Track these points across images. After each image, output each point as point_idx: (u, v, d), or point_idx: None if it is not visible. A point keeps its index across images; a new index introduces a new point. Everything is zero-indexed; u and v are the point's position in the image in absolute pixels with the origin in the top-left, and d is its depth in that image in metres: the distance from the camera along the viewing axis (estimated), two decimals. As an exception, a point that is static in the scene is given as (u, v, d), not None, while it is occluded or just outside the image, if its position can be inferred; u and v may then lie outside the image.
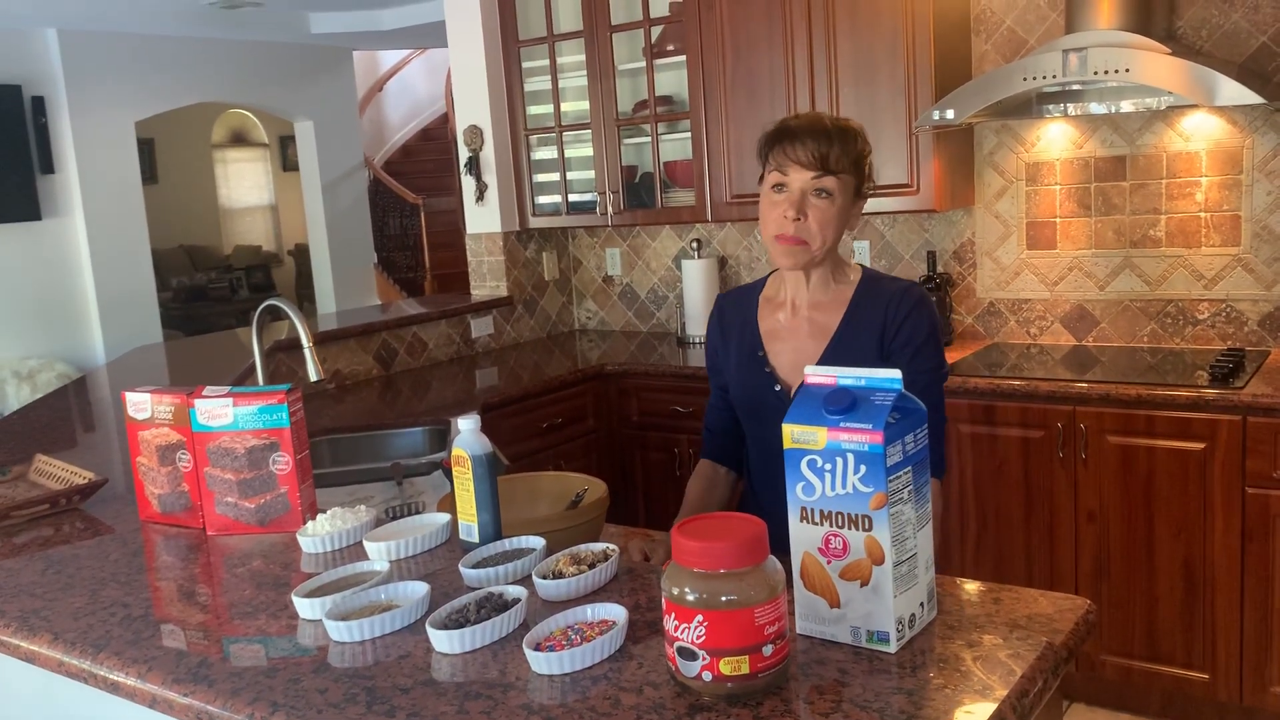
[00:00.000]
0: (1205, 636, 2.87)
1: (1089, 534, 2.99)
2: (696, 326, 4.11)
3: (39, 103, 6.73)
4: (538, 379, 3.61)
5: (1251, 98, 2.69)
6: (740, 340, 1.91)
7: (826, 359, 1.80)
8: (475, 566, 1.52)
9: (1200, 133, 3.24)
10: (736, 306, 1.95)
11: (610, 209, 4.09)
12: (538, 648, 1.25)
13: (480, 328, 4.23)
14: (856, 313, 1.82)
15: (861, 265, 1.89)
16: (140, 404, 1.91)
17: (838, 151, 1.73)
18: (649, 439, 3.75)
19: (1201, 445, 2.79)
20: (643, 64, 3.99)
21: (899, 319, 1.78)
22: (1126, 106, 3.13)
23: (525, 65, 4.25)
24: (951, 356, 3.39)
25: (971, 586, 1.51)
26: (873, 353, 1.78)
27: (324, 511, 1.78)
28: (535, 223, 4.33)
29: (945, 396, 1.88)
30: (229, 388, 1.84)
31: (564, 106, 4.18)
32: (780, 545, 1.26)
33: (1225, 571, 2.81)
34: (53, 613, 1.55)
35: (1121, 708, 3.08)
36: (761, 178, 1.81)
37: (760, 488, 1.92)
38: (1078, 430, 2.95)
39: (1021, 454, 3.05)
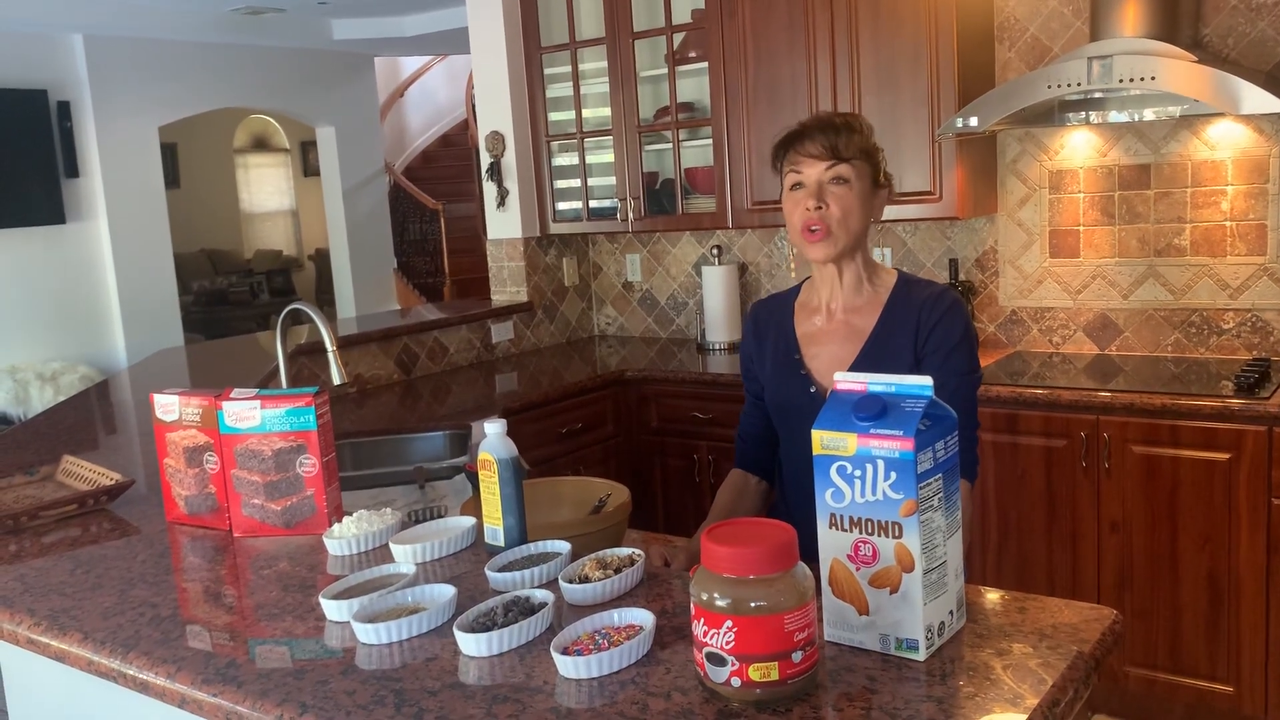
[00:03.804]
0: (1230, 648, 2.84)
1: (1112, 544, 2.97)
2: (716, 333, 4.11)
3: (64, 107, 6.80)
4: (557, 384, 3.62)
5: (1278, 106, 2.67)
6: (776, 345, 1.93)
7: (861, 361, 1.82)
8: (501, 570, 1.53)
9: (1226, 141, 3.22)
10: (771, 313, 1.97)
11: (631, 215, 4.10)
12: (565, 652, 1.25)
13: (500, 333, 4.24)
14: (891, 316, 1.83)
15: (897, 269, 1.91)
16: (168, 406, 1.93)
17: (845, 139, 1.77)
18: (668, 445, 3.75)
19: (1227, 456, 2.77)
20: (664, 70, 3.99)
21: (931, 323, 1.78)
22: (1148, 114, 3.11)
23: (547, 71, 4.27)
24: (973, 365, 3.38)
25: (995, 595, 1.50)
26: (907, 355, 1.79)
27: (349, 514, 1.79)
28: (556, 228, 4.34)
29: None
30: (256, 390, 1.85)
31: (585, 113, 4.19)
32: (810, 551, 1.26)
33: (1251, 583, 2.79)
34: (82, 612, 1.56)
35: (1145, 719, 3.06)
36: (781, 188, 1.84)
37: (792, 492, 1.92)
38: (1101, 440, 2.94)
39: (1044, 463, 3.04)
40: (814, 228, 1.77)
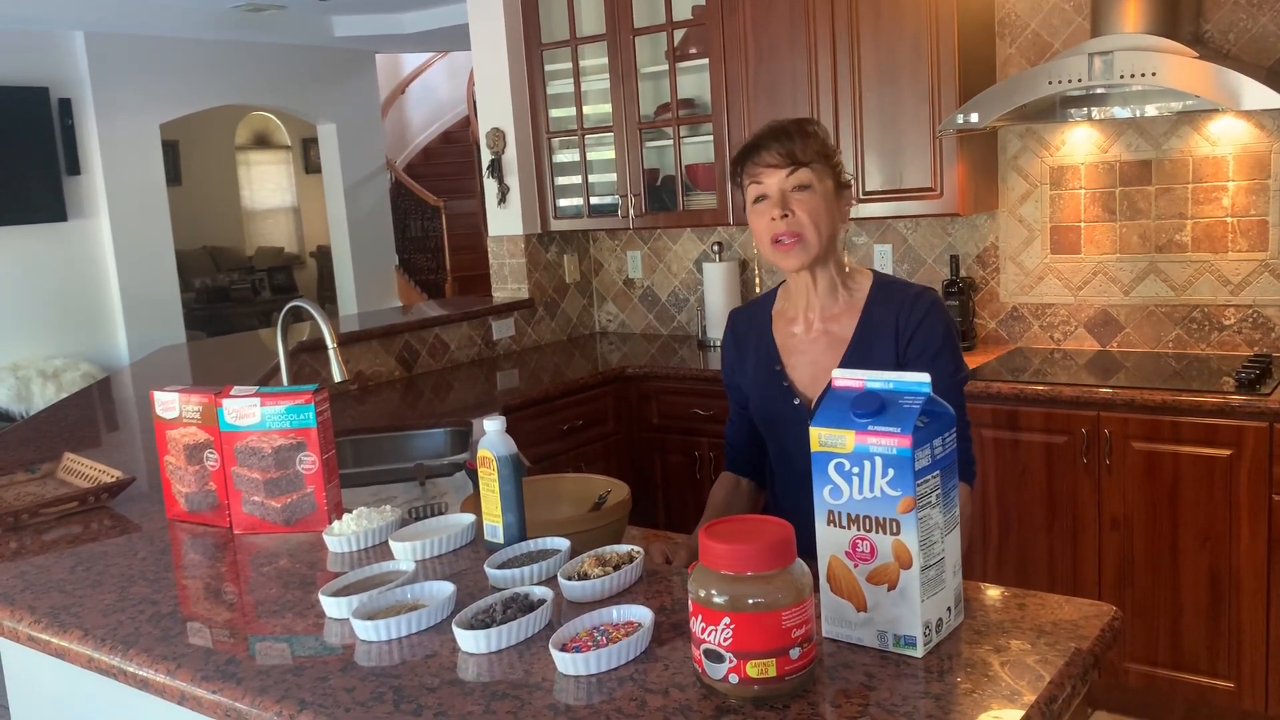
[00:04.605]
0: (1230, 645, 2.84)
1: (1112, 541, 2.97)
2: (717, 330, 4.11)
3: (66, 105, 6.80)
4: (558, 381, 3.62)
5: (1279, 101, 2.67)
6: (757, 355, 1.91)
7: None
8: (500, 567, 1.53)
9: (1227, 137, 3.22)
10: (749, 322, 1.95)
11: (631, 212, 4.10)
12: (564, 648, 1.26)
13: (501, 330, 4.24)
14: (869, 320, 1.81)
15: (872, 270, 1.89)
16: (168, 403, 1.93)
17: (800, 145, 1.75)
18: (669, 442, 3.75)
19: (1228, 452, 2.77)
20: (665, 67, 3.99)
21: (912, 326, 1.77)
22: (1150, 110, 3.11)
23: (548, 68, 4.26)
24: (974, 361, 3.38)
25: (994, 592, 1.50)
26: (889, 359, 1.78)
27: (349, 511, 1.79)
28: (557, 225, 4.34)
29: (967, 401, 1.87)
30: (256, 387, 1.86)
31: (586, 109, 4.19)
32: (804, 554, 1.26)
33: (1251, 579, 2.78)
34: (82, 609, 1.56)
35: (1145, 715, 3.05)
36: (744, 205, 1.83)
37: (782, 497, 1.92)
38: (1102, 436, 2.94)
39: (1045, 460, 3.04)
40: (783, 238, 1.75)
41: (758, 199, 1.78)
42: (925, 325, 1.76)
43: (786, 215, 1.74)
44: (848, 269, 1.87)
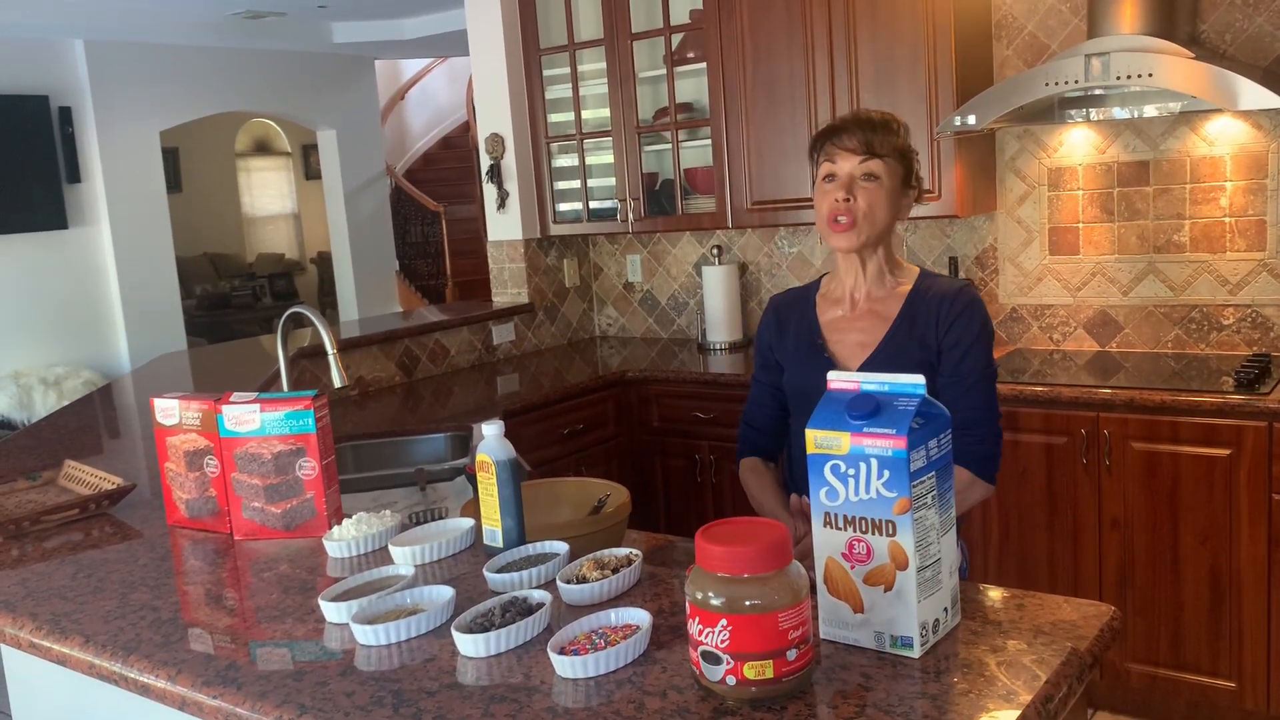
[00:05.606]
0: (1232, 644, 2.85)
1: (1113, 541, 2.97)
2: (717, 333, 4.12)
3: (66, 113, 6.82)
4: (559, 385, 3.62)
5: (1276, 101, 2.67)
6: (798, 332, 1.98)
7: (883, 347, 1.87)
8: (499, 571, 1.53)
9: (1224, 137, 3.22)
10: (792, 304, 2.03)
11: (631, 216, 4.11)
12: (562, 651, 1.26)
13: (502, 334, 4.25)
14: (913, 306, 1.88)
15: (920, 266, 1.96)
16: (168, 410, 1.93)
17: (881, 137, 1.83)
18: (669, 445, 3.76)
19: (1227, 452, 2.77)
20: (663, 71, 4.00)
21: (950, 318, 1.84)
22: (1149, 111, 3.11)
23: (546, 73, 4.27)
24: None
25: (995, 592, 1.50)
26: (931, 343, 1.84)
27: (349, 516, 1.80)
28: (556, 230, 4.35)
29: None
30: (256, 394, 1.86)
31: (585, 114, 4.20)
32: None
33: (1252, 579, 2.79)
34: (83, 615, 1.57)
35: (1146, 715, 3.05)
36: (814, 181, 1.90)
37: (802, 472, 1.94)
38: (1101, 436, 2.94)
39: (1044, 460, 3.04)
40: (840, 218, 1.83)
41: (827, 177, 1.85)
42: (964, 317, 1.84)
43: (848, 199, 1.82)
44: (900, 264, 1.94)
